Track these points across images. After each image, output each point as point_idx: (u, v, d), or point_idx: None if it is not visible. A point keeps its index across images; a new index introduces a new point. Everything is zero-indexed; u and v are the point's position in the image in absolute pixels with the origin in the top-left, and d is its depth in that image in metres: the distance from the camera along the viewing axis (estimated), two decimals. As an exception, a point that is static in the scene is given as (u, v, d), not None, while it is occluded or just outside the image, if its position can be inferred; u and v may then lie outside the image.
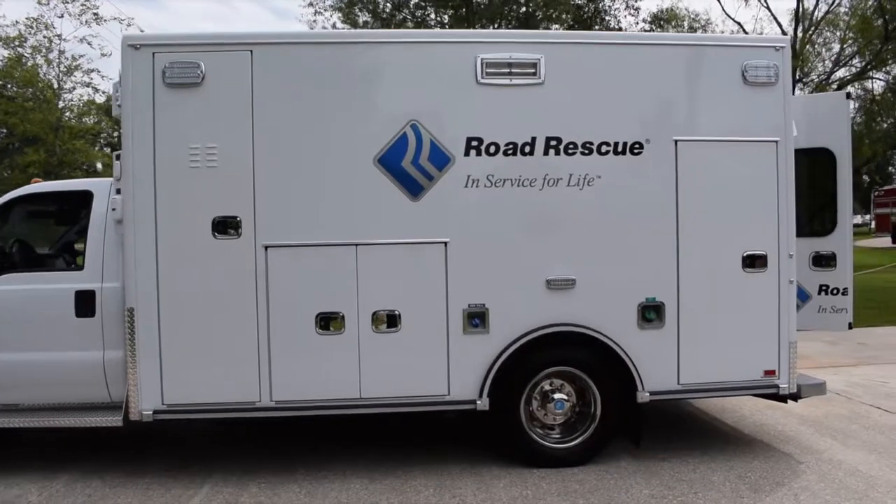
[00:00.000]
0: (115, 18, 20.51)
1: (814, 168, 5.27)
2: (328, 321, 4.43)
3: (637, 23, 20.52)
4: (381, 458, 4.83)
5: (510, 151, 4.49)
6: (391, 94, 4.52)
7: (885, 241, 32.46)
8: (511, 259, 4.51)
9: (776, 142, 4.63)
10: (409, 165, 4.44)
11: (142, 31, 17.81)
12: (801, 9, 21.74)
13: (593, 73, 4.57)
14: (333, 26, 19.89)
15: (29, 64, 18.83)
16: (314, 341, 4.42)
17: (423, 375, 4.48)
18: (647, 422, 4.77)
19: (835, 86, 21.22)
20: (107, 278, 4.61)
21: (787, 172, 4.64)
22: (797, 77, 21.47)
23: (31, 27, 18.74)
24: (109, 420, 4.48)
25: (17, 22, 19.46)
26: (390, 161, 4.43)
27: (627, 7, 19.90)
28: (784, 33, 21.39)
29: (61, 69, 19.51)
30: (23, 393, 4.67)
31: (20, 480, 4.54)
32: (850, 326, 5.34)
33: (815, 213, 5.35)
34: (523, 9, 19.38)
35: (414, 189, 4.45)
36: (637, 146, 4.56)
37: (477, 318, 4.49)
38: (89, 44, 20.88)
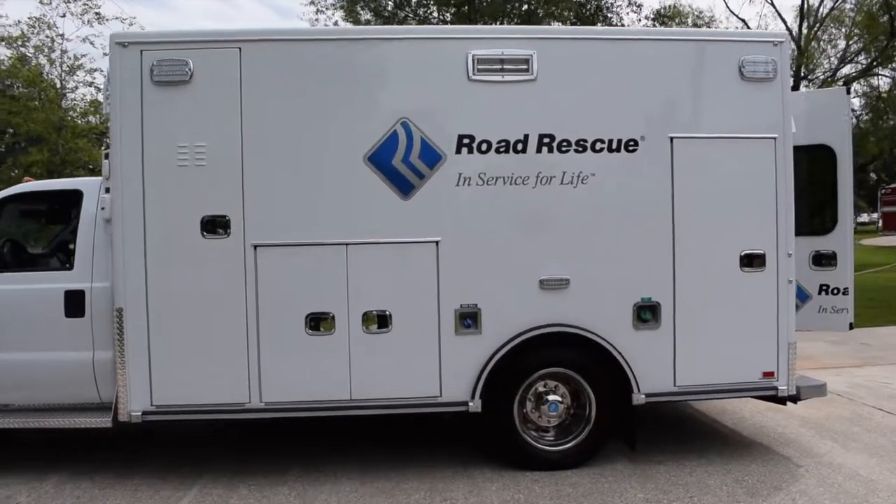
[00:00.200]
0: (117, 18, 20.48)
1: (813, 165, 5.19)
2: (318, 322, 4.37)
3: (640, 20, 20.36)
4: (373, 460, 4.78)
5: (502, 149, 4.42)
6: (381, 91, 4.46)
7: (892, 240, 32.20)
8: (504, 258, 4.44)
9: (774, 138, 4.54)
10: (400, 164, 4.38)
11: (143, 29, 17.83)
12: (805, 5, 21.57)
13: (587, 69, 4.49)
14: (335, 24, 19.82)
15: (32, 63, 18.87)
16: (304, 342, 4.37)
17: (415, 377, 4.42)
18: (644, 424, 4.71)
19: (840, 83, 20.95)
20: (96, 278, 4.58)
21: (786, 169, 4.56)
22: (802, 74, 21.28)
23: (34, 27, 18.78)
24: (99, 421, 4.45)
25: (19, 21, 19.51)
26: (381, 159, 4.37)
27: (630, 4, 19.73)
28: (789, 30, 21.18)
29: (64, 69, 19.54)
30: (12, 393, 4.64)
31: (10, 481, 4.52)
32: (851, 327, 5.27)
33: (814, 211, 5.27)
34: (525, 6, 19.24)
35: (405, 187, 4.39)
36: (632, 143, 4.48)
37: (469, 319, 4.42)
38: (91, 43, 21.02)
